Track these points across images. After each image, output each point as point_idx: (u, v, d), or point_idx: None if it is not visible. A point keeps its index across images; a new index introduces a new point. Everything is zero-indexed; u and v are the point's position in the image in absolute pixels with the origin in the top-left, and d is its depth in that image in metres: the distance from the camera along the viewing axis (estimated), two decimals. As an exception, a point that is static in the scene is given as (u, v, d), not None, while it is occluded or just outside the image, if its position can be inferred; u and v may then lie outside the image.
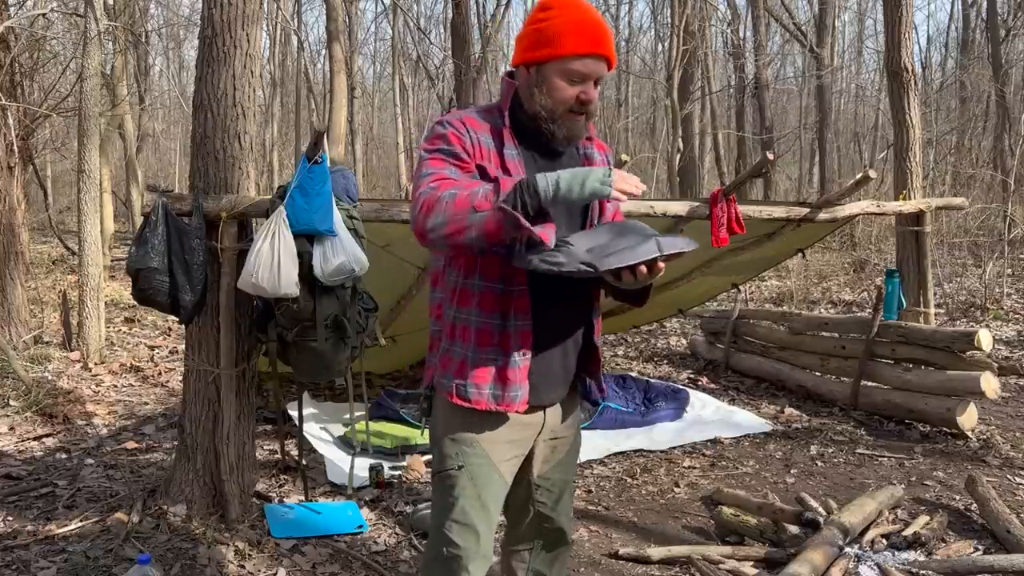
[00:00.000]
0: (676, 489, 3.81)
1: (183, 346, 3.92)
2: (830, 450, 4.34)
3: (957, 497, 3.61)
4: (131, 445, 4.31)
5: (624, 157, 4.26)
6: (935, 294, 6.35)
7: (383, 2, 25.02)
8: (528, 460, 1.94)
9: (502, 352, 1.77)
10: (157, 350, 6.80)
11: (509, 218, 1.53)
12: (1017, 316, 7.93)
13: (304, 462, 3.63)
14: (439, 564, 1.87)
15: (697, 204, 4.23)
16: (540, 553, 2.08)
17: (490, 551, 1.90)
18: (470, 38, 10.90)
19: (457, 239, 1.57)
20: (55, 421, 4.73)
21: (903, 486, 3.70)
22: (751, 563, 2.96)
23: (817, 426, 4.75)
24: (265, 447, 4.25)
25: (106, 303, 7.01)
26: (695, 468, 4.10)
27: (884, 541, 3.07)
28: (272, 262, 2.87)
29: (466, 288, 1.79)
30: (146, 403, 5.25)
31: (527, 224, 1.53)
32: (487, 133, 1.78)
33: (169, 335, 7.43)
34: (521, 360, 1.78)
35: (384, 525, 3.34)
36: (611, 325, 6.75)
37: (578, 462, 3.99)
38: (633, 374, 5.87)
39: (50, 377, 5.66)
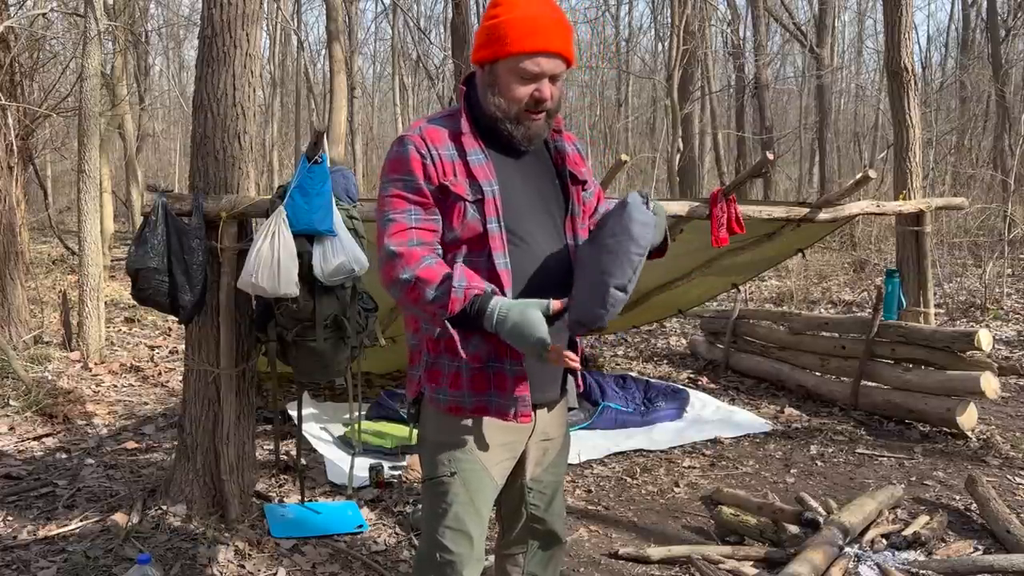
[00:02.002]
0: (676, 489, 3.81)
1: (183, 346, 3.92)
2: (830, 450, 4.34)
3: (957, 497, 3.62)
4: (131, 445, 4.31)
5: (624, 157, 4.25)
6: (935, 294, 6.35)
7: (383, 2, 25.05)
8: (521, 463, 1.93)
9: (495, 360, 1.75)
10: (157, 350, 6.80)
11: (447, 331, 1.67)
12: (1017, 316, 7.92)
13: (304, 462, 3.63)
14: (433, 569, 1.85)
15: (697, 204, 4.24)
16: (535, 555, 2.06)
17: (483, 554, 1.90)
18: (470, 38, 10.86)
19: (406, 310, 1.81)
20: (55, 421, 4.73)
21: (903, 486, 3.70)
22: (751, 563, 2.96)
23: (817, 426, 4.75)
24: (265, 447, 4.25)
25: (106, 303, 7.01)
26: (695, 468, 4.10)
27: (884, 541, 3.07)
28: (272, 262, 2.87)
29: None
30: (146, 403, 5.25)
31: (455, 335, 1.68)
32: (448, 143, 1.75)
33: (169, 335, 7.43)
34: (513, 366, 1.76)
35: (384, 525, 3.34)
36: (611, 325, 6.75)
37: (578, 462, 4.04)
38: (633, 374, 5.87)
39: (50, 377, 5.66)
